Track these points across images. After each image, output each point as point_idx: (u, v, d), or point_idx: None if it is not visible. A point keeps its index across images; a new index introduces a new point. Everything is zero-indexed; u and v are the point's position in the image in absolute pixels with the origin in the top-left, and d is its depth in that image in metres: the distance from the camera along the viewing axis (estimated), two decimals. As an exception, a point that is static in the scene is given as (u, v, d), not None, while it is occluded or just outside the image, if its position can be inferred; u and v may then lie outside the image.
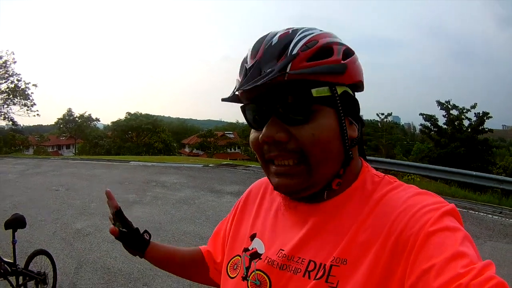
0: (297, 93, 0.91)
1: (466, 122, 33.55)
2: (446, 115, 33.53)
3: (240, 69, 0.99)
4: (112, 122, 60.50)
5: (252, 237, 1.13)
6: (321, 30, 0.98)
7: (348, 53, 0.97)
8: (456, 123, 33.32)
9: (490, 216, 10.83)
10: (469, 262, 0.73)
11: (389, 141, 32.29)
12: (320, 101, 0.92)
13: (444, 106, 34.19)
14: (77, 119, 62.06)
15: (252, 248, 1.10)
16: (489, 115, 33.33)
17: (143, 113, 62.53)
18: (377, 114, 33.02)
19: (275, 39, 0.94)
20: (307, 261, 0.95)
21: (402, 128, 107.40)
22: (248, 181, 12.58)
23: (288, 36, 0.94)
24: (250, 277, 1.05)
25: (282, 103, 0.92)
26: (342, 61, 0.94)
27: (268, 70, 0.89)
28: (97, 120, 63.98)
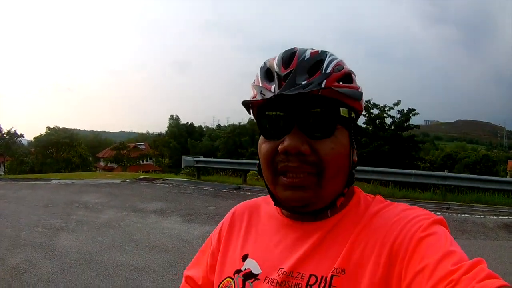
0: (327, 109, 0.92)
1: (389, 120, 32.30)
2: (367, 115, 31.88)
3: (267, 76, 0.98)
4: (34, 138, 58.67)
5: (244, 258, 1.06)
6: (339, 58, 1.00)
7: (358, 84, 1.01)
8: (377, 121, 32.13)
9: (439, 213, 10.12)
10: (459, 259, 0.76)
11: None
12: (341, 121, 0.95)
13: (364, 106, 32.43)
14: (5, 135, 58.58)
15: (245, 269, 1.03)
16: (415, 111, 32.19)
17: (60, 127, 61.23)
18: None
19: (307, 55, 0.95)
20: (307, 275, 0.93)
21: None
22: (169, 196, 12.56)
23: (319, 55, 0.95)
24: None
25: (311, 114, 0.91)
26: (359, 90, 0.99)
27: (304, 82, 0.89)
28: (22, 136, 60.66)
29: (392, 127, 31.72)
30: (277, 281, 0.95)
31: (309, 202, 0.94)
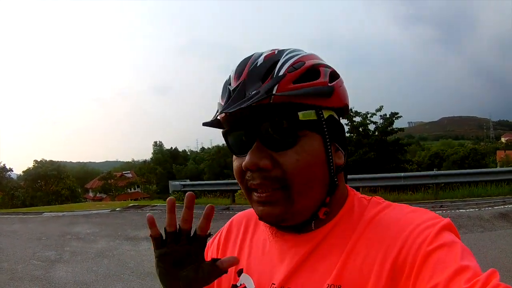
0: (283, 117, 0.83)
1: (372, 127, 31.09)
2: (349, 123, 30.17)
3: (223, 92, 0.90)
4: (23, 172, 58.24)
5: (239, 272, 1.02)
6: (306, 52, 0.91)
7: (334, 76, 0.91)
8: (360, 129, 30.88)
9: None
10: (473, 275, 0.68)
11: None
12: (306, 126, 0.84)
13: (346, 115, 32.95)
14: (-6, 170, 58.45)
15: (240, 284, 1.00)
16: (398, 114, 31.59)
17: (47, 159, 60.70)
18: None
19: (260, 60, 0.86)
20: None
21: None
22: (159, 222, 11.70)
23: (274, 57, 0.86)
24: None
25: (267, 127, 0.84)
26: (329, 84, 0.87)
27: (253, 92, 0.81)
28: (11, 170, 60.04)
29: (376, 133, 30.91)
30: None
31: (282, 218, 0.87)
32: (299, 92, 0.82)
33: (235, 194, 16.50)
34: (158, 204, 17.31)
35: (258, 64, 0.85)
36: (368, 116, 30.58)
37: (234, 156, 0.92)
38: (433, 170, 14.70)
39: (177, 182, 17.44)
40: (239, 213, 1.19)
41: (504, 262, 6.06)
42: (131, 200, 28.53)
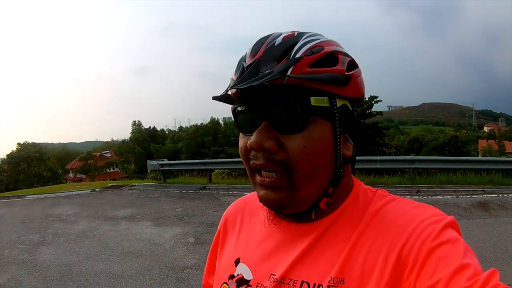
0: (294, 99, 0.80)
1: None
2: None
3: (237, 67, 0.87)
4: (7, 155, 57.34)
5: (236, 262, 0.99)
6: (326, 38, 0.88)
7: (353, 65, 0.88)
8: None
9: (409, 197, 9.69)
10: (474, 273, 0.68)
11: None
12: (317, 112, 0.82)
13: None
14: (-22, 155, 57.01)
15: (238, 274, 0.97)
16: (377, 98, 32.53)
17: (30, 142, 60.03)
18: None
19: (278, 40, 0.84)
20: (299, 282, 0.85)
21: None
22: (137, 201, 12.51)
23: (293, 39, 0.84)
24: None
25: (277, 108, 0.81)
26: (346, 73, 0.84)
27: (267, 71, 0.79)
28: None
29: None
30: None
31: (283, 204, 0.85)
32: (314, 77, 0.80)
33: (211, 174, 16.64)
34: (136, 184, 17.27)
35: (275, 44, 0.83)
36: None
37: (240, 134, 0.90)
38: (410, 155, 14.45)
39: (155, 162, 17.54)
40: (233, 203, 1.17)
41: (481, 251, 6.08)
42: (110, 180, 28.56)
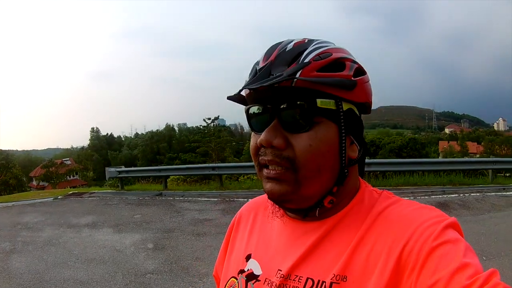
0: (302, 101, 0.82)
1: None
2: None
3: (251, 70, 0.90)
4: (-25, 163, 55.42)
5: (248, 257, 1.01)
6: (335, 45, 0.91)
7: (360, 71, 0.89)
8: None
9: None
10: (474, 272, 0.68)
11: (218, 144, 30.35)
12: (324, 113, 0.83)
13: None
14: None
15: (248, 269, 0.98)
16: None
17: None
18: (204, 120, 31.20)
19: (290, 46, 0.86)
20: (304, 278, 0.86)
21: (229, 130, 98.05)
22: (97, 208, 12.42)
23: (303, 45, 0.86)
24: None
25: (285, 108, 0.83)
26: (353, 78, 0.86)
27: (277, 74, 0.82)
28: None
29: None
30: (276, 284, 0.90)
31: (287, 198, 0.86)
32: (321, 80, 0.82)
33: (167, 180, 16.67)
34: (95, 191, 17.04)
35: (287, 49, 0.86)
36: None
37: (252, 133, 0.92)
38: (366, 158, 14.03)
39: (113, 169, 17.18)
40: (248, 202, 1.19)
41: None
42: (70, 187, 28.07)
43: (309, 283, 0.85)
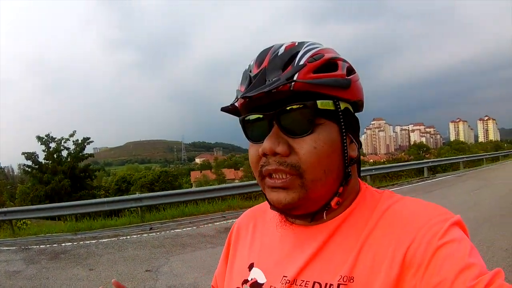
0: (302, 104, 0.78)
1: (65, 152, 29.62)
2: (46, 150, 28.98)
3: (243, 79, 0.86)
4: None
5: (250, 267, 0.95)
6: (324, 46, 0.87)
7: (351, 70, 0.86)
8: (55, 155, 29.22)
9: (145, 235, 9.89)
10: (479, 273, 0.65)
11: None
12: (324, 114, 0.79)
13: (44, 140, 29.14)
14: None
15: (252, 279, 0.92)
16: (90, 139, 30.49)
17: None
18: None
19: (281, 50, 0.82)
20: (311, 283, 0.81)
21: (3, 173, 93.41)
22: None
23: (294, 48, 0.82)
24: None
25: (286, 112, 0.79)
26: (347, 77, 0.82)
27: (274, 79, 0.78)
28: None
29: (69, 159, 29.77)
30: None
31: (295, 205, 0.80)
32: (319, 81, 0.78)
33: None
34: None
35: (279, 54, 0.81)
36: (62, 142, 29.77)
37: (250, 143, 0.87)
38: (135, 194, 14.13)
39: None
40: (245, 212, 1.14)
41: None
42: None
43: (316, 286, 0.80)
